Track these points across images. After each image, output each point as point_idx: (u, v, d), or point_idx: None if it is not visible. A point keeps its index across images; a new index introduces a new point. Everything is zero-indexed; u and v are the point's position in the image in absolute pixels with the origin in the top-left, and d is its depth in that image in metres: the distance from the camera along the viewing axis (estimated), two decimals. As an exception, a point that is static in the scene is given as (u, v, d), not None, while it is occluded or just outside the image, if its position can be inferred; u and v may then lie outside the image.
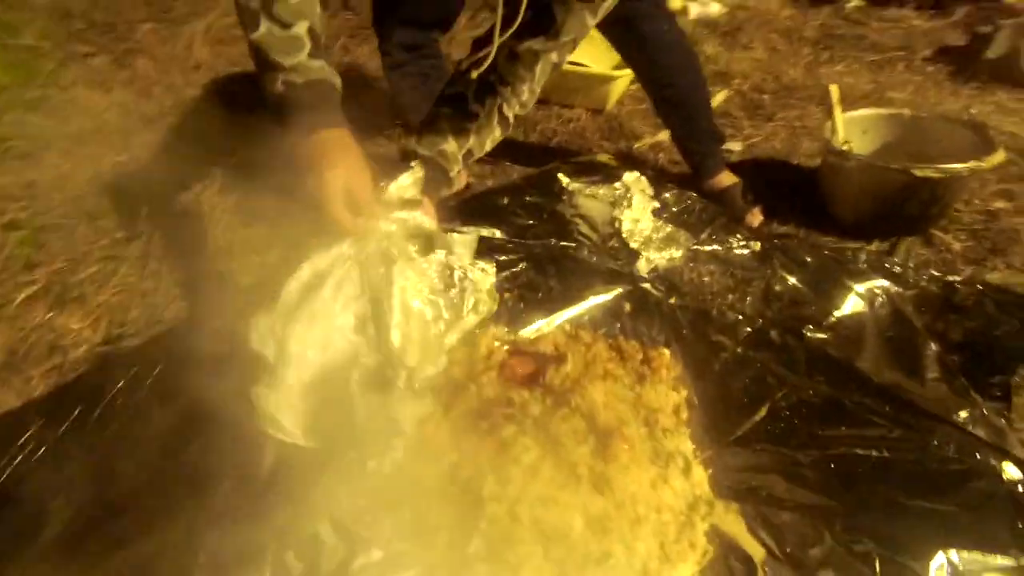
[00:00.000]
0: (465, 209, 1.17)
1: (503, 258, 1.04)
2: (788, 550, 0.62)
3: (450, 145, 0.85)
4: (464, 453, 0.69)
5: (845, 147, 1.12)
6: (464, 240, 0.84)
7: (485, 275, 0.82)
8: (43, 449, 0.77)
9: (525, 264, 1.03)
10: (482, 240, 1.10)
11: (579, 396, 0.71)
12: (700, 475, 0.71)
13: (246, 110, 1.37)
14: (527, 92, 0.85)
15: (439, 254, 0.79)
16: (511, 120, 0.87)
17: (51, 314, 0.94)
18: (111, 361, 0.85)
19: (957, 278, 0.97)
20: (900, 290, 0.94)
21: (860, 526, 0.62)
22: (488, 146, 0.88)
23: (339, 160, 0.69)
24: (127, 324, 0.93)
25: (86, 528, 0.69)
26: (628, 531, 0.64)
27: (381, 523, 0.67)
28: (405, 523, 0.67)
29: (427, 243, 0.79)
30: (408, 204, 0.78)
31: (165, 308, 0.96)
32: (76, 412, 0.80)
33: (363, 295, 0.74)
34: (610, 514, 0.64)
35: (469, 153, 0.86)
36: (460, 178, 1.30)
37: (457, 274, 0.80)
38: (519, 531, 0.62)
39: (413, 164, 0.80)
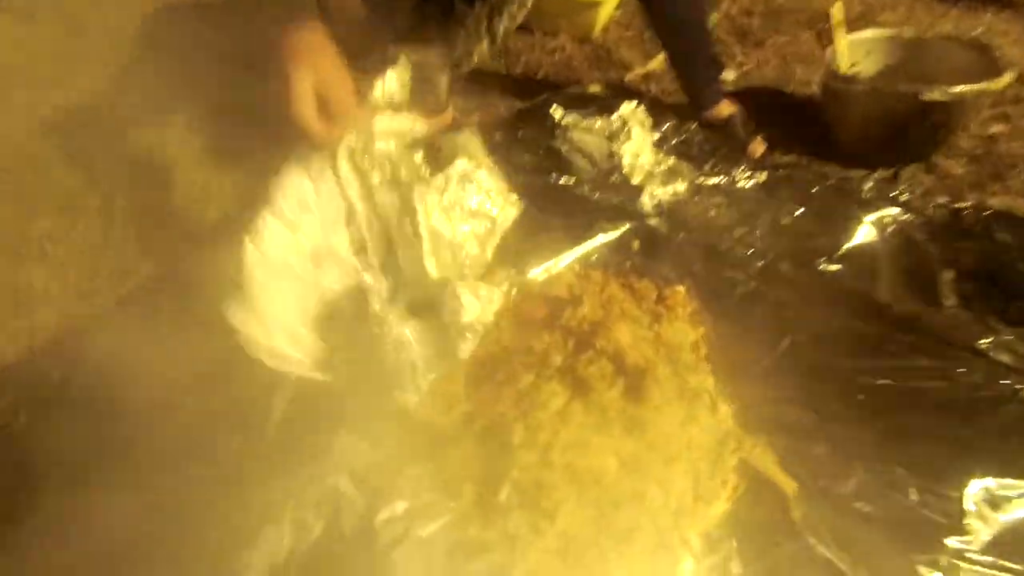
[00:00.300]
0: (455, 146, 1.09)
1: (502, 197, 0.98)
2: (821, 483, 0.62)
3: (437, 50, 0.77)
4: (479, 403, 0.66)
5: (852, 71, 1.08)
6: (470, 140, 0.77)
7: (494, 176, 0.76)
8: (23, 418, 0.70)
9: (525, 202, 0.97)
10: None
11: (603, 338, 0.67)
12: (726, 410, 0.70)
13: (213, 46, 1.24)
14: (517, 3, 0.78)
15: (457, 165, 0.72)
16: (499, 35, 0.80)
17: (10, 271, 0.84)
18: (86, 322, 0.78)
19: (965, 204, 0.96)
20: (910, 218, 0.93)
21: (893, 456, 0.62)
22: (475, 59, 0.81)
23: (309, 59, 0.62)
24: (96, 279, 0.85)
25: (78, 496, 0.64)
26: (662, 470, 0.62)
27: (403, 475, 0.64)
28: (428, 474, 0.64)
29: (434, 154, 0.72)
30: (397, 109, 0.71)
31: (135, 260, 0.87)
32: (57, 379, 0.73)
33: (359, 222, 0.67)
34: (643, 455, 0.62)
35: (456, 64, 0.79)
36: (447, 112, 1.22)
37: (475, 186, 0.74)
38: (552, 477, 0.60)
39: (399, 61, 0.71)
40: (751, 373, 0.75)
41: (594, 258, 0.91)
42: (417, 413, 0.64)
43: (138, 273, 0.86)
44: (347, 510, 0.62)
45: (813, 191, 1.01)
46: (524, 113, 1.21)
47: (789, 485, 0.63)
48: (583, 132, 1.15)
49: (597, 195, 1.01)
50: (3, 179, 1.04)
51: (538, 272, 0.87)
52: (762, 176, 1.05)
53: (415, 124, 0.70)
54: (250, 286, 0.61)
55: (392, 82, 0.70)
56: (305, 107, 0.62)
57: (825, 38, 1.12)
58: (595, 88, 1.33)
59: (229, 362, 0.68)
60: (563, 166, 1.07)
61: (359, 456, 0.65)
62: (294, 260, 0.64)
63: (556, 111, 1.17)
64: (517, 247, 0.91)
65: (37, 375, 0.72)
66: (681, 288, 0.84)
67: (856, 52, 1.14)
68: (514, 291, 0.82)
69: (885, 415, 0.66)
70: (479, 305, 0.67)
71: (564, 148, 1.12)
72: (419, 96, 0.72)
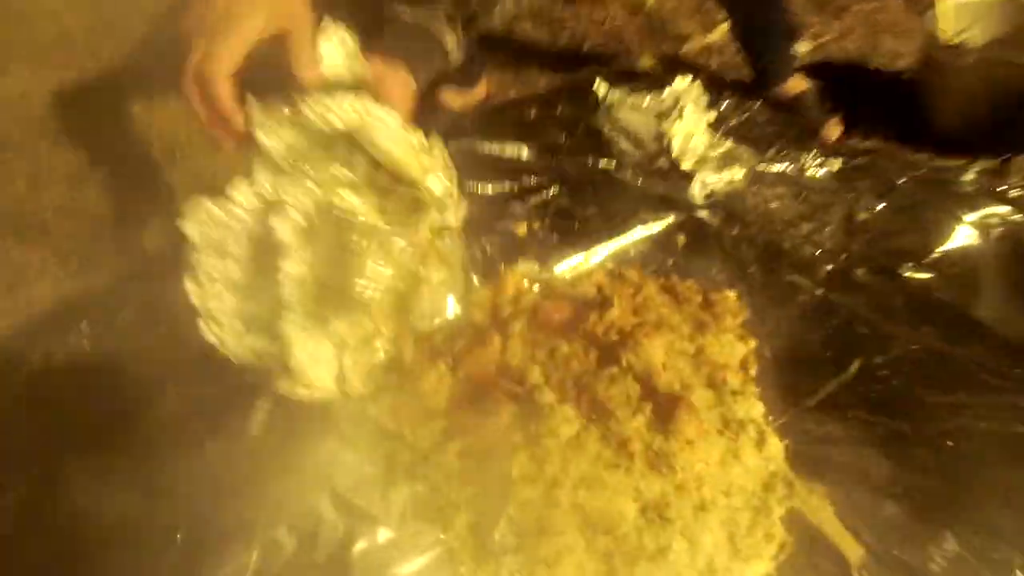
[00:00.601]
0: (485, 123, 0.99)
1: (531, 181, 0.88)
2: (895, 551, 0.49)
3: (443, 5, 0.64)
4: (454, 423, 0.57)
5: (958, 39, 0.91)
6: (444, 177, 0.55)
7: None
8: None
9: (557, 188, 0.87)
10: (505, 161, 0.94)
11: (632, 352, 0.57)
12: (776, 447, 0.58)
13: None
14: None
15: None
16: None
17: (9, 244, 0.81)
18: (74, 304, 0.73)
19: (1093, 204, 0.79)
20: (1022, 218, 0.77)
21: (992, 524, 0.49)
22: (496, 19, 0.69)
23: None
24: (94, 257, 0.80)
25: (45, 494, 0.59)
26: (691, 520, 0.51)
27: (390, 497, 0.56)
28: (419, 498, 0.56)
29: (400, 198, 0.54)
30: (348, 88, 0.50)
31: (137, 240, 0.82)
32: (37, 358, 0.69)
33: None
34: (670, 499, 0.52)
35: (470, 19, 0.66)
36: (480, 87, 1.12)
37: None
38: (556, 518, 0.50)
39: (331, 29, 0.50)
40: (810, 402, 0.62)
41: (631, 254, 0.80)
42: (384, 421, 0.56)
43: (138, 253, 0.81)
44: (324, 534, 0.55)
45: (899, 183, 0.85)
46: (565, 88, 1.09)
47: (852, 549, 0.51)
48: (629, 111, 1.02)
49: (640, 181, 0.89)
50: (22, 150, 1.02)
51: (565, 268, 0.77)
52: (836, 164, 0.90)
53: (385, 123, 0.50)
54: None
55: (332, 52, 0.50)
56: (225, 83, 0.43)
57: (921, 3, 0.95)
58: (646, 62, 1.19)
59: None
60: (603, 148, 0.95)
61: (343, 470, 0.58)
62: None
63: (600, 87, 1.05)
64: (544, 238, 0.81)
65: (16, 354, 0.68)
66: (731, 293, 0.72)
67: (963, 17, 0.96)
68: (535, 288, 0.72)
69: (983, 469, 0.53)
70: None
71: (606, 128, 1.00)
72: (421, 62, 0.61)
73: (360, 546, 0.54)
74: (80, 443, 0.61)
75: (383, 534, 0.54)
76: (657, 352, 0.56)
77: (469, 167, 0.85)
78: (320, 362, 0.53)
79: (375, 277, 0.54)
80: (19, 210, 0.86)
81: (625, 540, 0.49)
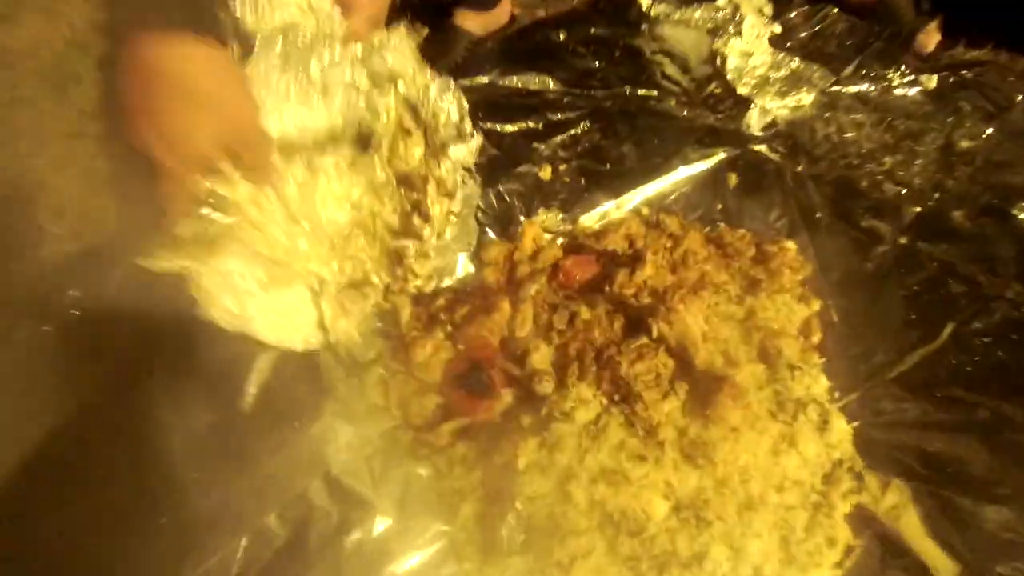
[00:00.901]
0: (508, 50, 0.87)
1: (557, 116, 0.76)
2: (999, 569, 0.40)
3: None
4: (449, 400, 0.50)
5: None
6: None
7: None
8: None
9: (588, 123, 0.75)
10: (529, 94, 0.82)
11: (664, 320, 0.47)
12: (842, 431, 0.48)
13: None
14: None
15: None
16: None
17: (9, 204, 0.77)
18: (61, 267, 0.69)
19: None
20: None
21: None
22: None
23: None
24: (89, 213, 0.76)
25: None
26: (735, 521, 0.43)
27: (389, 482, 0.50)
28: (421, 483, 0.50)
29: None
30: None
31: (136, 196, 0.77)
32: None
33: None
34: (708, 497, 0.43)
35: None
36: (502, 8, 0.99)
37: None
38: (572, 517, 0.43)
39: None
40: (888, 376, 0.52)
41: (671, 199, 0.68)
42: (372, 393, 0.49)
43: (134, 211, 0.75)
44: (317, 522, 0.50)
45: (1013, 101, 0.69)
46: (601, 3, 0.95)
47: (943, 563, 0.42)
48: (676, 26, 0.88)
49: (686, 112, 0.76)
50: (30, 102, 0.97)
51: (593, 216, 0.67)
52: (932, 81, 0.74)
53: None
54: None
55: None
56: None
57: None
58: (700, -32, 1.02)
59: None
60: (643, 75, 0.82)
61: (338, 449, 0.52)
62: None
63: None
64: (571, 182, 0.70)
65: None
66: (791, 244, 0.60)
67: None
68: (558, 243, 0.63)
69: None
70: None
71: (649, 49, 0.86)
72: None
73: (354, 536, 0.48)
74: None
75: (380, 524, 0.49)
76: (696, 320, 0.46)
77: (487, 104, 0.74)
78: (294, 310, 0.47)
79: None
80: (20, 167, 0.82)
81: (653, 543, 0.41)
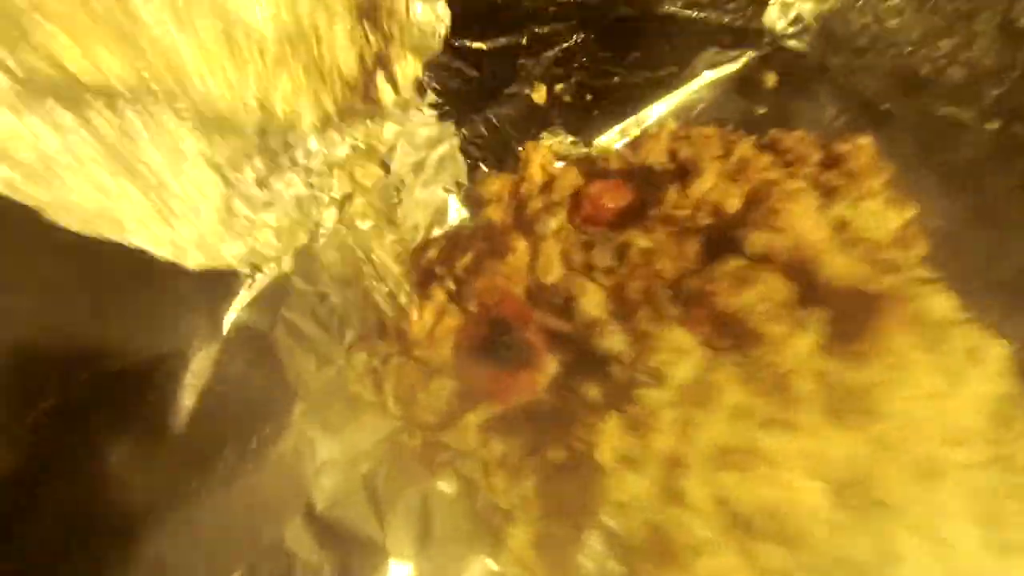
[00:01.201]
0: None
1: (544, 29, 0.62)
2: None
3: None
4: (468, 381, 0.35)
5: None
6: None
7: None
8: None
9: (583, 34, 0.61)
10: (506, 6, 0.68)
11: (767, 227, 0.34)
12: (999, 356, 0.36)
13: None
14: None
15: None
16: None
17: None
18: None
19: None
20: None
21: None
22: None
23: None
24: None
25: None
26: (918, 497, 0.30)
27: (399, 510, 0.36)
28: (445, 506, 0.35)
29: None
30: None
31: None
32: None
33: None
34: (872, 468, 0.30)
35: None
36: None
37: None
38: (687, 524, 0.29)
39: None
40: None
41: (698, 110, 0.56)
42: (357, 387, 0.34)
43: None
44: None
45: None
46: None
47: None
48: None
49: (694, 13, 0.64)
50: None
51: (610, 137, 0.53)
52: (970, -45, 0.63)
53: None
54: None
55: None
56: None
57: None
58: None
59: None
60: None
61: (320, 467, 0.37)
62: None
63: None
64: (574, 101, 0.57)
65: None
66: (865, 140, 0.48)
67: None
68: (573, 174, 0.49)
69: None
70: None
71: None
72: None
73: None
74: None
75: (396, 570, 0.34)
76: (814, 220, 0.33)
77: (455, 17, 0.60)
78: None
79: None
80: None
81: (814, 549, 0.28)
